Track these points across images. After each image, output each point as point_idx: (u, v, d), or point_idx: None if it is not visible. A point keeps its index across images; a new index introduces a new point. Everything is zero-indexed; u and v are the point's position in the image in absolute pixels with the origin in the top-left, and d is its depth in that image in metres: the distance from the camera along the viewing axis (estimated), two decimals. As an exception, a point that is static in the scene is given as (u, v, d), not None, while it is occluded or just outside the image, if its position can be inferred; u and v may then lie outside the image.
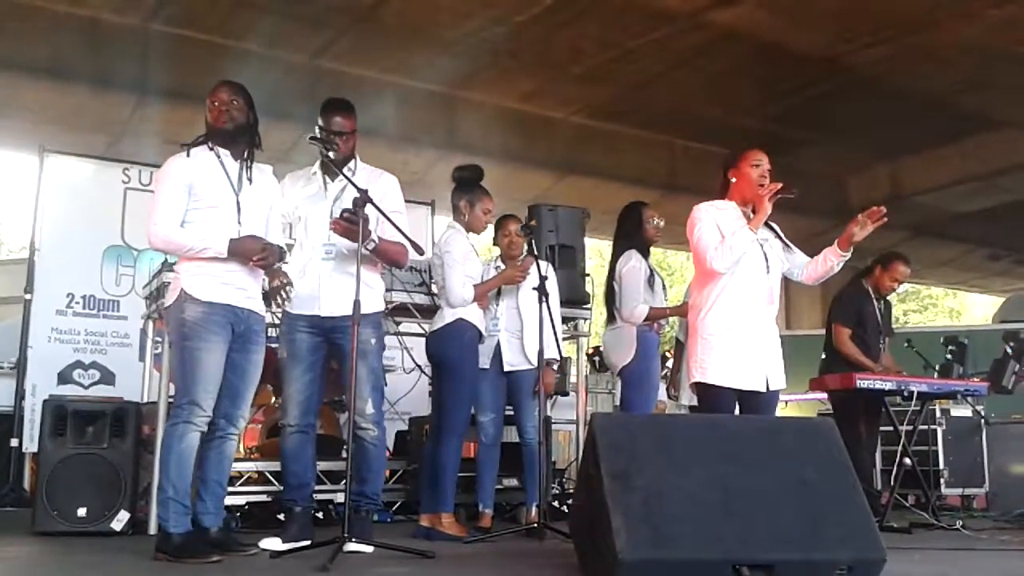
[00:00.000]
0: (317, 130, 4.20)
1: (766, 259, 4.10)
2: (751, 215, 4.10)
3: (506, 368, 5.03)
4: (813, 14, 7.94)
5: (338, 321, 4.10)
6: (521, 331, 5.03)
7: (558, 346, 4.84)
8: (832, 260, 4.17)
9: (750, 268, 4.05)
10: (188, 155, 3.88)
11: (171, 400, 4.79)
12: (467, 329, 4.78)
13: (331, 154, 4.11)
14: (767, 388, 4.03)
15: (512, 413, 5.17)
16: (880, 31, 8.16)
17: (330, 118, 4.22)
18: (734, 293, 4.03)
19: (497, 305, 5.10)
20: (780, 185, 4.05)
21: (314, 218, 4.24)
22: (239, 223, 3.88)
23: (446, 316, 4.80)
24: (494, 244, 5.26)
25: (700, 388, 4.08)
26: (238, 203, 3.89)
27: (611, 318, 5.43)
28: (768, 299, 4.10)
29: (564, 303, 5.52)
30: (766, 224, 4.16)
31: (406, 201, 4.45)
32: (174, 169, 3.86)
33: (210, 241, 3.77)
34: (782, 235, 4.30)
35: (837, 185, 12.35)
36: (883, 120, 9.97)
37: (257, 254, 3.84)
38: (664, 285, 5.55)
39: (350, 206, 3.96)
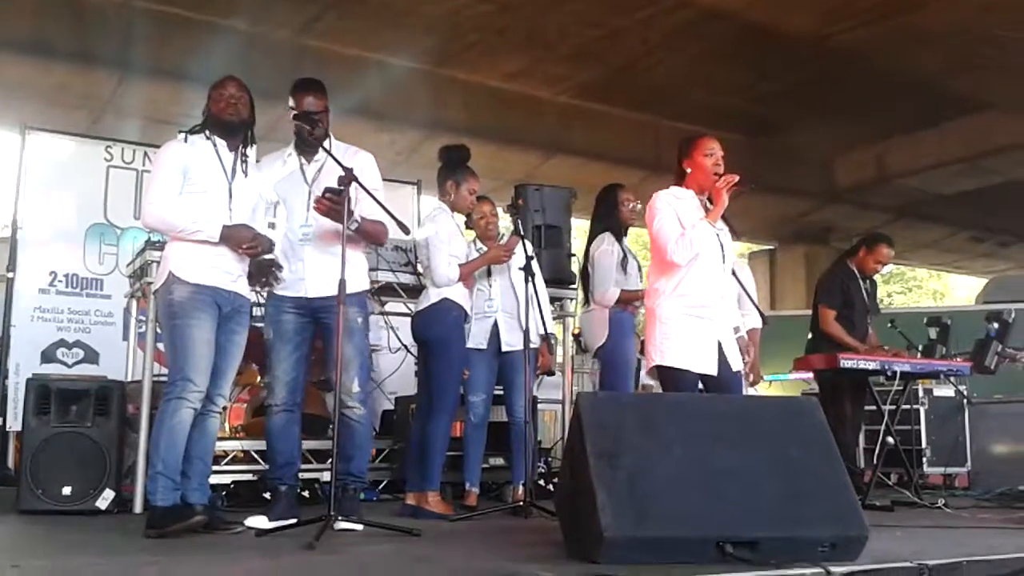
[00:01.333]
0: (290, 111, 4.18)
1: (722, 248, 4.22)
2: (708, 204, 4.20)
3: (504, 348, 5.03)
4: (800, -6, 7.95)
5: (325, 301, 4.09)
6: (517, 311, 5.02)
7: (545, 325, 4.86)
8: None
9: (707, 257, 4.16)
10: (186, 140, 3.95)
11: (156, 379, 4.80)
12: (452, 309, 4.77)
13: (314, 134, 4.11)
14: (728, 369, 4.13)
15: (500, 392, 5.18)
16: (867, 12, 8.17)
17: (302, 98, 4.20)
18: (691, 281, 4.13)
19: (490, 285, 5.09)
20: (737, 178, 4.13)
21: (292, 200, 4.23)
22: (229, 210, 3.93)
23: (431, 296, 4.79)
24: (467, 227, 5.25)
25: (661, 371, 4.17)
26: (230, 191, 3.95)
27: (586, 300, 5.46)
28: (723, 287, 4.21)
29: (550, 283, 5.52)
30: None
31: (391, 180, 4.44)
32: (171, 153, 3.94)
33: (203, 224, 3.83)
34: (734, 226, 4.40)
35: (824, 166, 12.40)
36: (869, 102, 9.99)
37: (247, 242, 3.91)
38: (640, 268, 5.56)
39: (332, 185, 3.95)
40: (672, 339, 4.11)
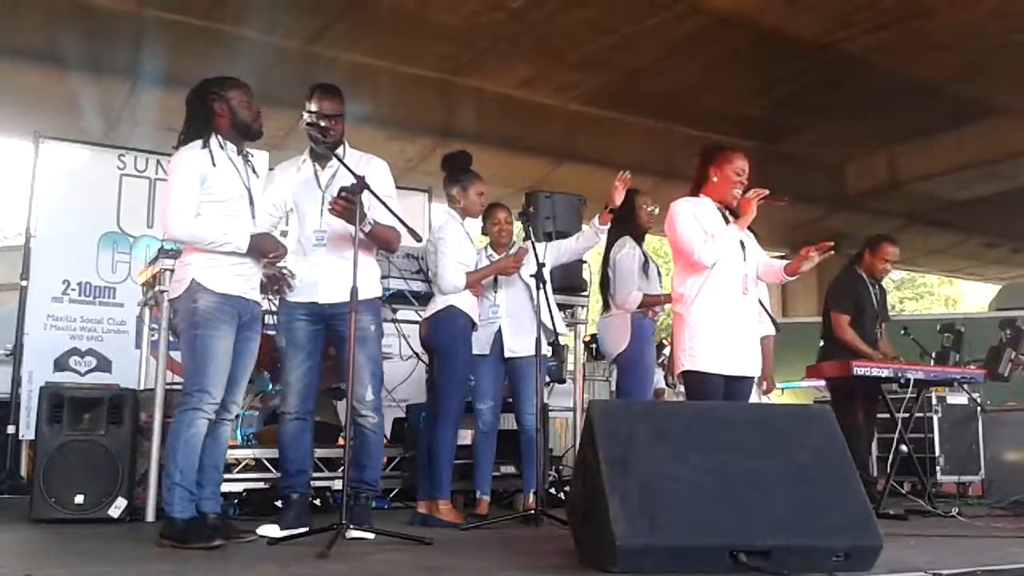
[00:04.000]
0: (306, 115, 4.18)
1: (743, 250, 4.25)
2: (726, 213, 4.26)
3: (507, 354, 5.03)
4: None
5: (337, 308, 4.08)
6: (522, 318, 5.00)
7: (554, 326, 4.86)
8: (780, 277, 4.40)
9: (730, 259, 4.19)
10: (204, 146, 3.84)
11: (169, 387, 4.81)
12: (458, 316, 4.78)
13: (326, 140, 4.10)
14: (748, 374, 4.21)
15: (510, 400, 5.17)
16: (878, 17, 8.14)
17: (320, 102, 4.19)
18: (716, 283, 4.17)
19: (496, 292, 5.09)
20: (767, 192, 4.20)
21: (307, 205, 4.23)
22: (252, 216, 3.94)
23: (438, 303, 4.81)
24: (483, 233, 5.26)
25: (689, 376, 4.18)
26: (250, 196, 3.94)
27: (606, 305, 5.43)
28: (744, 287, 4.23)
29: (561, 290, 5.52)
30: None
31: (402, 188, 4.44)
32: (189, 160, 3.83)
33: (232, 236, 3.80)
34: (756, 232, 4.47)
35: (835, 172, 12.36)
36: (881, 107, 9.96)
37: (273, 252, 3.92)
38: (659, 272, 5.54)
39: (347, 185, 3.95)
40: (701, 342, 4.13)
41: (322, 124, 4.13)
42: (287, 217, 4.32)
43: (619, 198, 4.94)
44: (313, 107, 4.18)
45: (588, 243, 5.19)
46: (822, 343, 6.05)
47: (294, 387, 4.21)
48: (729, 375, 4.13)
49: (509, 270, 4.97)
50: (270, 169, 4.40)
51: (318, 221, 4.18)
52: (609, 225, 5.02)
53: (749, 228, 4.35)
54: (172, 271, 4.26)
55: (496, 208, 5.18)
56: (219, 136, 3.90)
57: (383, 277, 5.12)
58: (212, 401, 3.76)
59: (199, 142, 3.85)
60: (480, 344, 5.00)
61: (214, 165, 3.82)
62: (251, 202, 3.94)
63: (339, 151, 4.19)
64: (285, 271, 4.14)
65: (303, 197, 4.24)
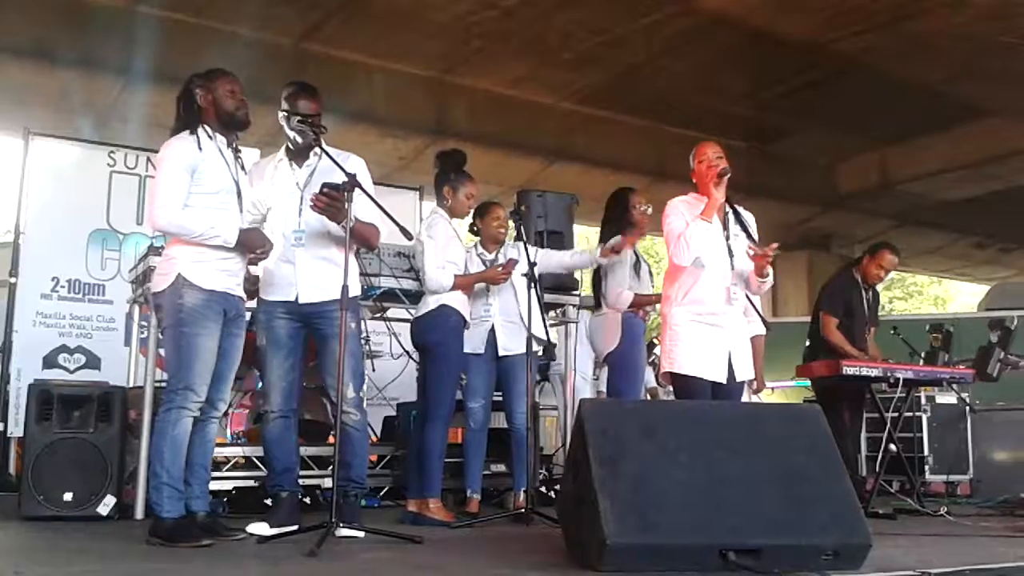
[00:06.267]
0: (281, 115, 4.15)
1: (731, 254, 4.24)
2: (725, 207, 4.28)
3: (501, 353, 5.02)
4: (802, 0, 7.94)
5: (317, 307, 4.08)
6: (518, 316, 5.00)
7: (546, 329, 4.86)
8: (757, 284, 4.35)
9: (715, 264, 4.19)
10: (192, 135, 3.81)
11: (158, 384, 4.78)
12: (451, 315, 4.77)
13: (315, 137, 4.08)
14: (733, 379, 4.18)
15: (499, 399, 5.17)
16: (870, 18, 8.17)
17: (296, 101, 4.14)
18: (701, 288, 4.18)
19: (488, 291, 5.08)
20: (717, 170, 4.20)
21: (284, 204, 4.17)
22: (240, 210, 3.90)
23: (429, 302, 4.79)
24: (471, 231, 5.23)
25: (671, 378, 4.21)
26: (238, 190, 3.91)
27: (597, 304, 5.44)
28: (728, 297, 4.22)
29: (553, 289, 5.52)
30: (737, 219, 4.34)
31: (394, 186, 4.42)
32: (179, 150, 3.79)
33: (220, 229, 3.76)
34: (752, 231, 4.42)
35: (827, 172, 12.40)
36: (873, 108, 9.99)
37: (260, 248, 3.90)
38: (650, 272, 5.55)
39: (330, 181, 3.91)
40: (682, 346, 4.15)
41: (316, 122, 4.11)
42: (266, 216, 4.26)
43: (628, 248, 5.11)
44: (300, 108, 4.13)
45: (579, 264, 5.29)
46: (808, 343, 6.06)
47: (276, 385, 4.18)
48: (709, 380, 4.12)
49: (498, 280, 4.95)
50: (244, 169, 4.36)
51: (296, 221, 4.12)
52: (607, 259, 5.11)
53: (747, 231, 4.35)
54: (160, 266, 4.21)
55: (495, 205, 5.19)
56: (207, 128, 3.86)
57: (374, 275, 5.13)
58: (197, 399, 3.74)
59: (187, 132, 3.83)
60: (473, 343, 4.99)
61: (203, 155, 3.78)
62: (239, 195, 3.91)
63: (315, 150, 4.14)
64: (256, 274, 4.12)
65: (280, 196, 4.18)
